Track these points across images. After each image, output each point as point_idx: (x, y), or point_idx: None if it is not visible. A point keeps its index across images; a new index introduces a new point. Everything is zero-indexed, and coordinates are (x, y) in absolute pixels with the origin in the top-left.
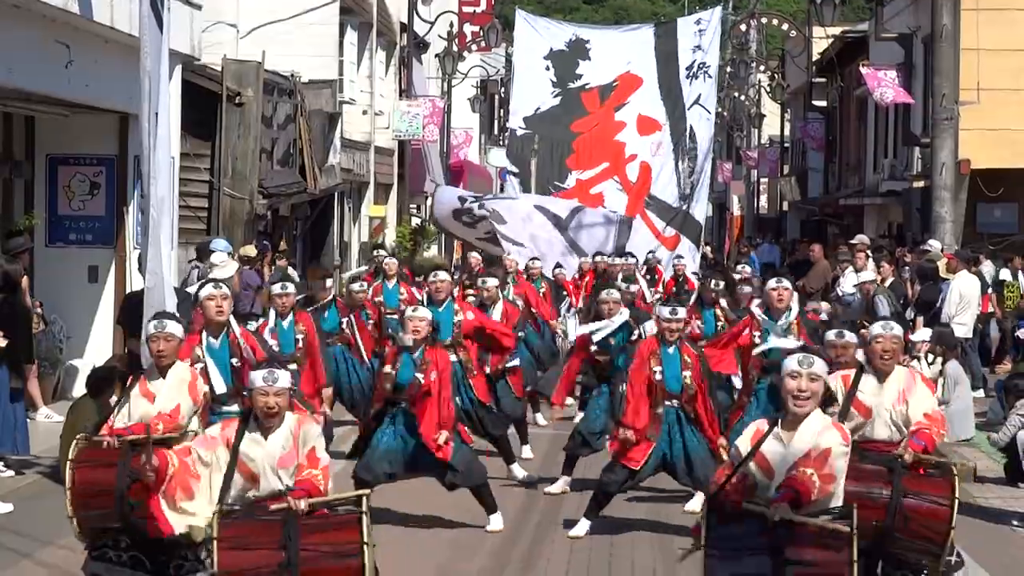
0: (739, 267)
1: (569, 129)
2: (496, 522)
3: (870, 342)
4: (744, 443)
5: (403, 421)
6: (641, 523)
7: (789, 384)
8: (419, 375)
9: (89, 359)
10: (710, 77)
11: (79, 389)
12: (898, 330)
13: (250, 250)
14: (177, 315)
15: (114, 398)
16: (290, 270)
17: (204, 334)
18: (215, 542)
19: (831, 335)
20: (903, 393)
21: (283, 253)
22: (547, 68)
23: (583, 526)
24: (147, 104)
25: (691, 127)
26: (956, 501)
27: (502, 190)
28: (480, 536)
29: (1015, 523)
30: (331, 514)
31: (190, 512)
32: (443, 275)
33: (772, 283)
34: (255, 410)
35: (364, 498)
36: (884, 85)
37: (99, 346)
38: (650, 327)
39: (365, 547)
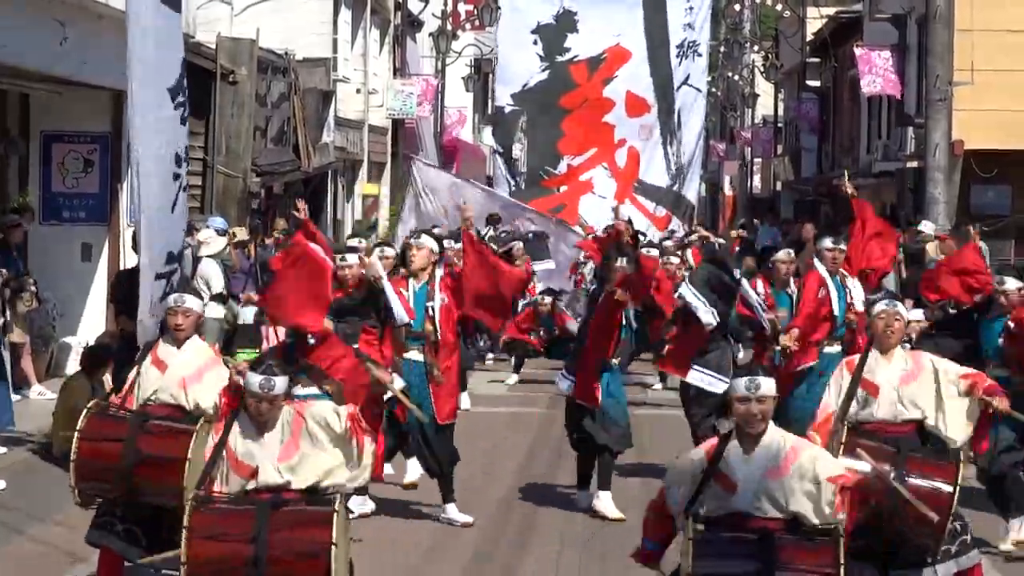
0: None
1: (558, 105)
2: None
3: (873, 319)
4: (694, 465)
5: None
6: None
7: (739, 409)
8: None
9: (82, 336)
10: (699, 56)
11: (72, 366)
12: (900, 307)
13: (241, 232)
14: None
15: (107, 375)
16: None
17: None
18: (185, 531)
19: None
20: (911, 373)
21: (282, 232)
22: (534, 43)
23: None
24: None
25: (680, 108)
26: (958, 487)
27: (494, 170)
28: (458, 535)
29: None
30: (305, 509)
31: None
32: (426, 239)
33: (828, 243)
34: (248, 410)
35: (339, 497)
36: (875, 72)
37: (92, 323)
38: None
39: (333, 547)
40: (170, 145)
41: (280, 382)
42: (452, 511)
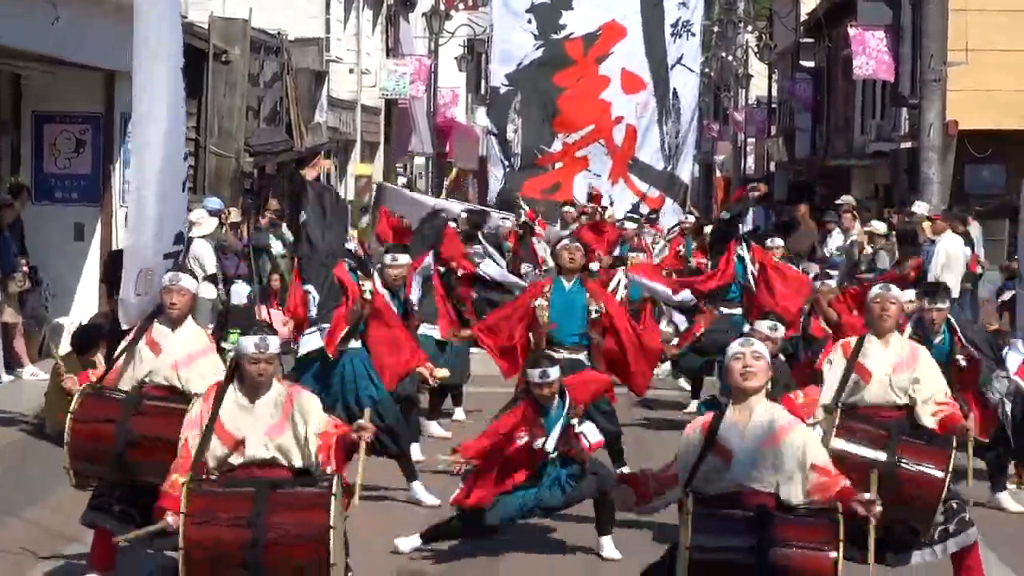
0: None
1: (552, 82)
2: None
3: (869, 303)
4: (693, 438)
5: None
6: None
7: (734, 365)
8: None
9: (75, 317)
10: (693, 36)
11: (65, 347)
12: (896, 290)
13: (233, 213)
14: (191, 269)
15: (99, 355)
16: (284, 228)
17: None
18: (183, 516)
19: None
20: (905, 363)
21: (275, 213)
22: (528, 21)
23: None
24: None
25: (675, 87)
26: (950, 473)
27: (487, 151)
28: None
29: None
30: (302, 491)
31: None
32: (403, 259)
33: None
34: (244, 376)
35: (336, 478)
36: (868, 53)
37: (85, 304)
38: None
39: (332, 531)
40: (181, 124)
41: (274, 341)
42: (418, 489)
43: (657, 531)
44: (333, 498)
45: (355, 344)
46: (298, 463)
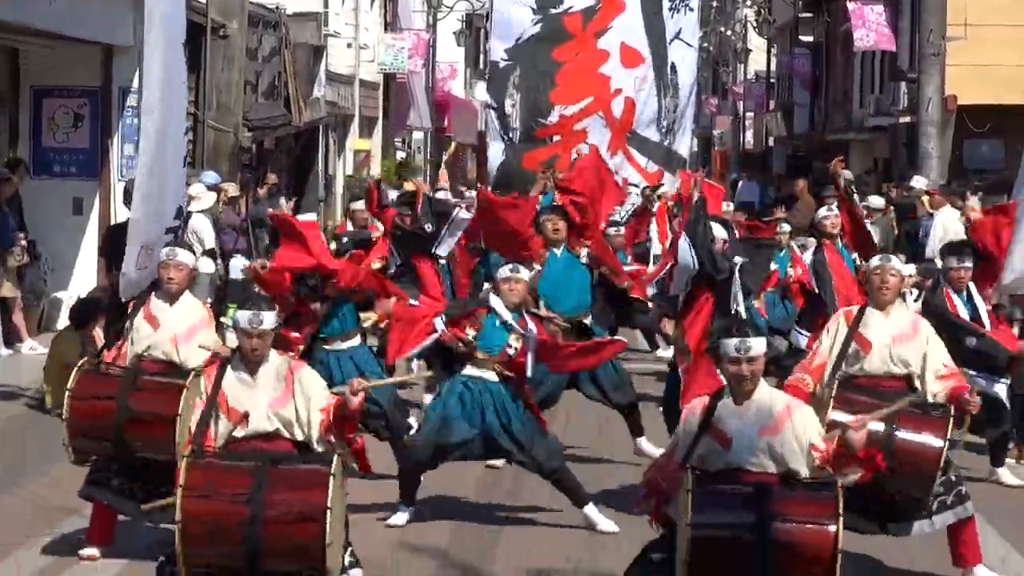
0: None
1: (551, 57)
2: None
3: (869, 274)
4: (691, 422)
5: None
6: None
7: (731, 370)
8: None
9: (73, 291)
10: (691, 10)
11: (63, 321)
12: (895, 262)
13: (231, 188)
14: (190, 244)
15: (98, 329)
16: (283, 201)
17: None
18: (181, 489)
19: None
20: (905, 334)
21: (273, 187)
22: None
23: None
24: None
25: (673, 62)
26: (947, 443)
27: (485, 125)
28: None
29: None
30: (302, 468)
31: None
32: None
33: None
34: (241, 351)
35: (336, 457)
36: (868, 26)
37: (83, 278)
38: None
39: (328, 511)
40: (183, 99)
41: (268, 317)
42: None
43: None
44: (332, 478)
45: (353, 342)
46: (300, 436)
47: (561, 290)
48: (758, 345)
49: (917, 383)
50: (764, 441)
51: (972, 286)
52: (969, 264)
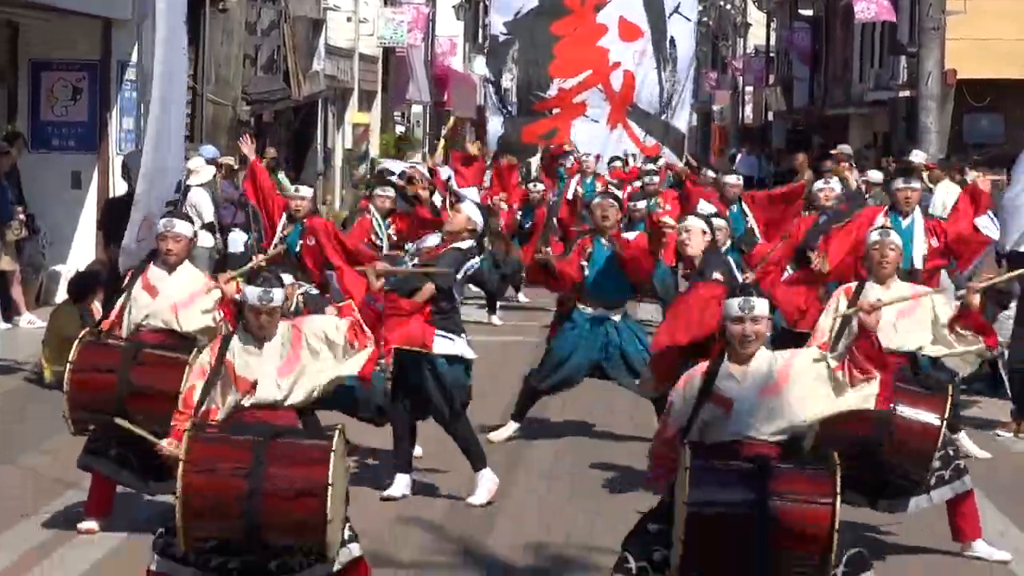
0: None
1: (550, 31)
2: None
3: (868, 249)
4: (690, 388)
5: None
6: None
7: (734, 329)
8: None
9: (72, 264)
10: None
11: (62, 295)
12: (895, 236)
13: (230, 161)
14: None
15: (96, 303)
16: (281, 175)
17: None
18: (182, 463)
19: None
20: (906, 308)
21: (272, 161)
22: None
23: None
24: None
25: (672, 36)
26: (945, 421)
27: (485, 99)
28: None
29: (997, 432)
30: (303, 443)
31: None
32: (305, 190)
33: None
34: (248, 325)
35: (338, 433)
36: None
37: (82, 251)
38: None
39: (329, 487)
40: (184, 74)
41: (278, 293)
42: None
43: None
44: (333, 454)
45: None
46: (305, 397)
47: (605, 278)
48: (762, 305)
49: (929, 350)
50: (765, 402)
51: (918, 210)
52: (916, 185)
